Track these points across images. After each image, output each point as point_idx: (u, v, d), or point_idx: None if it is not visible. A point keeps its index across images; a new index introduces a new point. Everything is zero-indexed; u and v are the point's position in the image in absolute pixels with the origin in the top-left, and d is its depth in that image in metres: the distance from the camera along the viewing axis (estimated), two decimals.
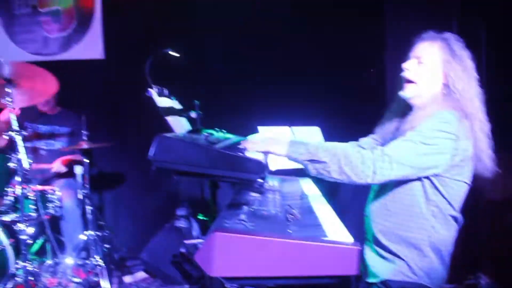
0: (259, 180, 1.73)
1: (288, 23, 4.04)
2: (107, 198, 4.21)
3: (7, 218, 3.31)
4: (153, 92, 2.28)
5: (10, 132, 2.94)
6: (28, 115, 3.89)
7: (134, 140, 4.25)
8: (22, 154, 2.92)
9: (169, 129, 2.26)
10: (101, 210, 4.40)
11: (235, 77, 4.04)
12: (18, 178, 3.01)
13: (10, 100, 2.96)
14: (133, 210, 4.49)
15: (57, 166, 3.93)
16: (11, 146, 3.08)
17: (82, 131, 3.66)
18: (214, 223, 1.71)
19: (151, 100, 2.29)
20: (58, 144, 4.01)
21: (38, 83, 3.15)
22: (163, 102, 2.32)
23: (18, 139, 2.93)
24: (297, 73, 4.00)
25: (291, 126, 3.04)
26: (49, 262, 3.51)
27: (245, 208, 1.87)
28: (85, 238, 3.65)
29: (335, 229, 1.70)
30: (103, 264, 3.56)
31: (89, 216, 3.65)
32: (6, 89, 2.97)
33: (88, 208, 3.64)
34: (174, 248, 3.67)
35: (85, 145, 3.59)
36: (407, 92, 1.99)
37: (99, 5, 4.56)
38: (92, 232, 3.64)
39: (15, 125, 2.95)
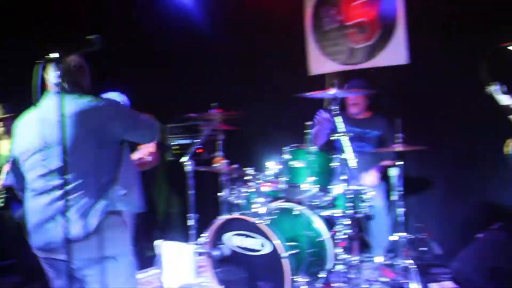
0: None
1: None
2: (412, 202, 4.19)
3: (327, 212, 3.64)
4: (494, 89, 2.16)
5: (336, 134, 3.21)
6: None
7: (447, 145, 4.15)
8: (348, 154, 3.15)
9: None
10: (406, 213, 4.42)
11: None
12: (342, 177, 3.26)
13: None
14: (439, 216, 4.37)
15: (369, 180, 4.11)
16: (335, 146, 3.37)
17: (395, 134, 3.74)
18: None
19: (491, 98, 2.18)
20: (368, 147, 4.20)
21: None
22: (505, 100, 2.18)
23: (344, 140, 3.17)
24: None
25: None
26: (355, 258, 3.68)
27: None
28: (395, 239, 3.71)
29: None
30: (414, 267, 3.55)
31: (401, 218, 3.69)
32: None
33: (400, 210, 3.68)
34: (491, 260, 3.44)
35: (399, 148, 3.65)
36: None
37: (402, 12, 4.61)
38: (403, 234, 3.67)
39: (340, 126, 3.21)
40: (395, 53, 4.63)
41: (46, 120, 2.25)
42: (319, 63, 5.14)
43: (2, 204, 4.00)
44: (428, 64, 4.35)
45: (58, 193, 2.20)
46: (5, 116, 4.09)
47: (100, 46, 1.78)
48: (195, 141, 4.31)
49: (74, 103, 2.22)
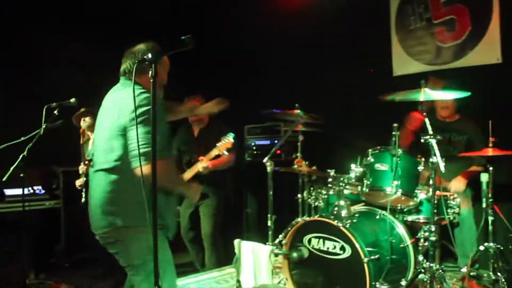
0: None
1: None
2: (503, 209, 3.90)
3: (409, 218, 3.51)
4: None
5: (426, 136, 3.08)
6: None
7: None
8: (437, 157, 3.01)
9: None
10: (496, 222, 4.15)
11: None
12: (428, 182, 3.13)
13: None
14: None
15: (456, 186, 3.93)
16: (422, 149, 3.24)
17: (484, 138, 3.52)
18: None
19: None
20: (455, 151, 4.00)
21: None
22: None
23: (433, 142, 3.03)
24: None
25: None
26: (439, 267, 3.50)
27: None
28: (483, 249, 3.50)
29: None
30: (504, 281, 3.33)
31: (490, 227, 3.48)
32: None
33: (490, 218, 3.47)
34: None
35: (489, 152, 3.45)
36: None
37: (497, 8, 4.34)
38: (491, 244, 3.46)
39: (429, 129, 3.07)
40: (487, 51, 4.39)
41: (108, 104, 2.45)
42: (403, 63, 4.99)
43: (84, 199, 4.21)
44: None
45: (101, 173, 2.36)
46: (93, 108, 4.22)
47: (192, 46, 1.81)
48: (275, 142, 4.30)
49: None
